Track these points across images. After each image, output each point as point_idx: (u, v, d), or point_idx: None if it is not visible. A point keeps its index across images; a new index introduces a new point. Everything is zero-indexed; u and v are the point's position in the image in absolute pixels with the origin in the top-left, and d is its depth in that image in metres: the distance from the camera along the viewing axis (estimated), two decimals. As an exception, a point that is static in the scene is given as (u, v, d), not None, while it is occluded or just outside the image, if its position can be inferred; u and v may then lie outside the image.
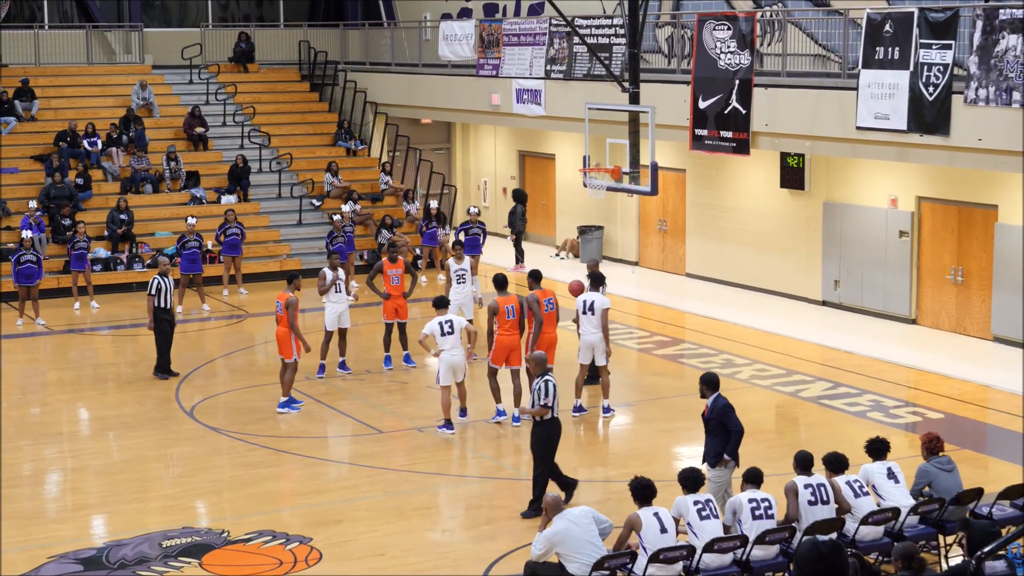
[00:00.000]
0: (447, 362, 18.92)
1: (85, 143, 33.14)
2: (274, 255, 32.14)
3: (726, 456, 14.52)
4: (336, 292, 22.14)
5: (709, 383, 14.84)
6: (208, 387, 22.31)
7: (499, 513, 15.99)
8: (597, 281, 20.04)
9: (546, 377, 15.62)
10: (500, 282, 19.81)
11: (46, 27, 38.65)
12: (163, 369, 22.58)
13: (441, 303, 19.49)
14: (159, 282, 22.33)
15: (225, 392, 21.88)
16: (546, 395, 15.45)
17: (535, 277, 19.95)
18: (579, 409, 20.02)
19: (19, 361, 24.68)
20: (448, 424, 19.14)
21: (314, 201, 34.10)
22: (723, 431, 14.56)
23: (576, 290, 20.90)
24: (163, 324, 22.43)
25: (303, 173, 34.94)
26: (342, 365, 22.58)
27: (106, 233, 30.90)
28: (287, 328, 20.03)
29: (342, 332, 22.45)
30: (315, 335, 22.74)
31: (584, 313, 19.75)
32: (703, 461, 14.72)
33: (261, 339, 26.11)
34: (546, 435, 15.58)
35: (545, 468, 15.63)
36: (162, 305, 22.30)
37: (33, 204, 30.22)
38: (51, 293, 28.31)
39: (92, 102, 35.65)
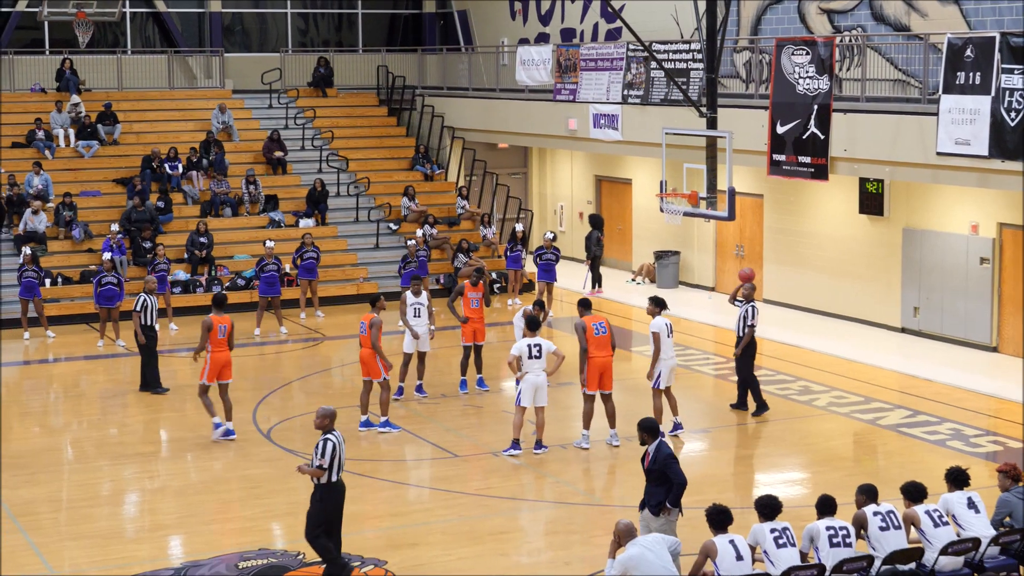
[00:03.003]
0: (531, 383, 18.94)
1: (166, 167, 33.53)
2: (351, 278, 32.30)
3: (668, 505, 13.83)
4: (416, 316, 22.13)
5: (649, 430, 14.19)
6: (285, 409, 22.44)
7: (574, 539, 15.93)
8: (663, 305, 20.04)
9: (329, 435, 14.14)
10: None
11: (128, 52, 39.17)
12: (152, 384, 23.19)
13: (534, 325, 19.45)
14: (145, 300, 23.03)
15: (301, 414, 21.97)
16: (322, 455, 14.00)
17: (584, 305, 19.87)
18: (676, 426, 20.05)
19: (99, 382, 24.97)
20: (516, 444, 19.15)
21: (391, 225, 34.24)
22: (666, 480, 13.89)
23: (747, 276, 21.46)
24: (148, 341, 23.12)
25: (380, 197, 35.12)
26: (419, 388, 22.62)
27: (186, 256, 31.20)
28: (371, 349, 20.15)
29: (421, 356, 22.48)
30: (393, 358, 22.78)
31: (668, 337, 19.76)
32: (641, 509, 14.09)
33: (338, 362, 26.24)
34: (318, 499, 14.17)
35: (317, 536, 14.14)
36: (146, 323, 23.01)
37: (115, 227, 30.58)
38: (131, 315, 28.52)
39: (173, 126, 36.07)
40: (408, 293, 22.25)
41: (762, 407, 21.22)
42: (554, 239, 30.13)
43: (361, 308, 29.70)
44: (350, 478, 18.32)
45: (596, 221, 33.45)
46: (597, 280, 32.49)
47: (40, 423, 22.06)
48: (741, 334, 21.01)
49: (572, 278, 33.34)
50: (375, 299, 20.99)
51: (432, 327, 22.60)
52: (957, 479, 13.88)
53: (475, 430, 20.89)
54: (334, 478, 14.09)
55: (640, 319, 28.57)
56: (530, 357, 18.99)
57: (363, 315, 20.55)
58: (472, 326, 22.68)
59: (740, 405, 21.46)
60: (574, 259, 36.12)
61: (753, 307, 21.05)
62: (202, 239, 31.19)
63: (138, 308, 23.01)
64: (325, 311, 30.15)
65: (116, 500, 18.08)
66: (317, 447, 14.05)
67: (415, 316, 22.10)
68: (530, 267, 31.72)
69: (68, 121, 34.54)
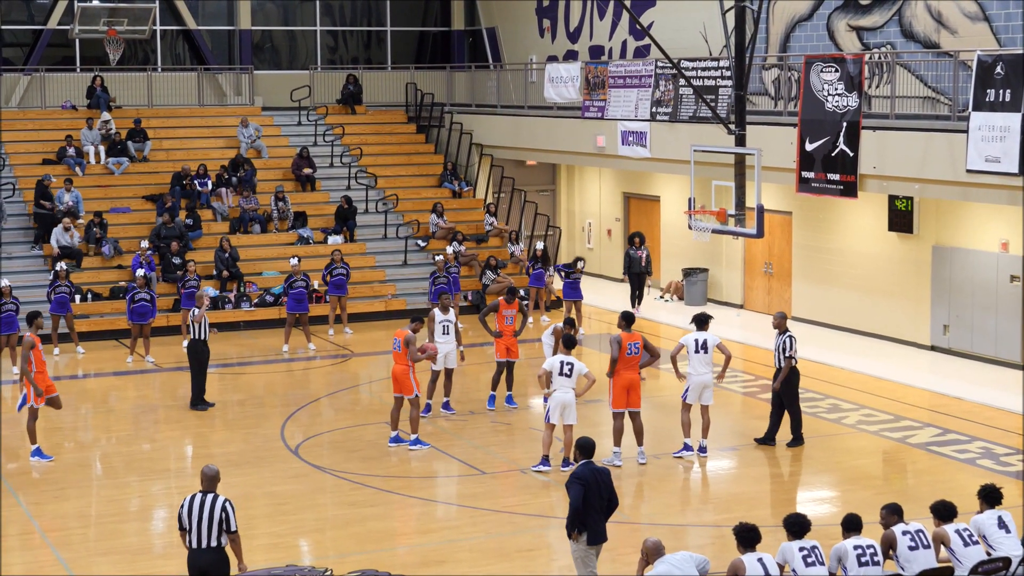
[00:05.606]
0: (559, 400, 18.92)
1: (196, 183, 33.66)
2: (379, 295, 32.34)
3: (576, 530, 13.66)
4: (444, 334, 22.14)
5: (582, 448, 14.10)
6: (313, 426, 22.47)
7: (602, 556, 15.86)
8: (704, 321, 19.98)
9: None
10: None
11: (159, 69, 39.37)
12: (199, 401, 23.20)
13: (570, 343, 19.43)
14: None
15: (330, 431, 22.01)
16: None
17: (626, 319, 19.74)
18: (689, 448, 19.94)
19: (129, 398, 25.04)
20: (545, 461, 19.14)
21: (419, 242, 34.30)
22: None
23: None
24: (201, 356, 23.07)
25: (409, 214, 35.18)
26: (446, 405, 22.62)
27: (214, 272, 31.29)
28: (404, 366, 20.15)
29: (448, 372, 22.51)
30: (422, 374, 22.78)
31: (696, 352, 19.70)
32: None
33: (366, 378, 26.28)
34: None
35: None
36: (199, 337, 22.93)
37: (145, 243, 30.71)
38: (159, 331, 28.67)
39: (203, 143, 36.22)
40: (436, 311, 22.28)
41: (797, 440, 20.48)
42: (582, 267, 29.97)
43: (389, 324, 29.78)
44: (379, 495, 18.39)
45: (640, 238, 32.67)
46: (637, 298, 32.00)
47: (69, 439, 22.11)
48: (779, 365, 20.30)
49: (599, 296, 33.32)
50: (416, 318, 21.01)
51: (461, 347, 22.61)
52: (989, 496, 13.79)
53: (503, 447, 20.88)
54: (192, 543, 12.93)
55: (668, 336, 28.53)
56: (560, 374, 18.97)
57: (396, 331, 20.57)
58: (505, 342, 22.70)
59: (768, 440, 20.52)
60: (603, 276, 36.10)
61: (790, 337, 20.36)
62: (226, 255, 31.27)
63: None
64: (353, 327, 30.19)
65: (145, 516, 18.14)
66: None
67: (443, 334, 22.12)
68: (557, 284, 31.72)
69: (98, 138, 34.71)
